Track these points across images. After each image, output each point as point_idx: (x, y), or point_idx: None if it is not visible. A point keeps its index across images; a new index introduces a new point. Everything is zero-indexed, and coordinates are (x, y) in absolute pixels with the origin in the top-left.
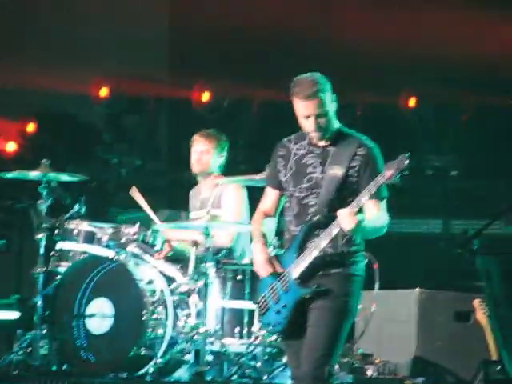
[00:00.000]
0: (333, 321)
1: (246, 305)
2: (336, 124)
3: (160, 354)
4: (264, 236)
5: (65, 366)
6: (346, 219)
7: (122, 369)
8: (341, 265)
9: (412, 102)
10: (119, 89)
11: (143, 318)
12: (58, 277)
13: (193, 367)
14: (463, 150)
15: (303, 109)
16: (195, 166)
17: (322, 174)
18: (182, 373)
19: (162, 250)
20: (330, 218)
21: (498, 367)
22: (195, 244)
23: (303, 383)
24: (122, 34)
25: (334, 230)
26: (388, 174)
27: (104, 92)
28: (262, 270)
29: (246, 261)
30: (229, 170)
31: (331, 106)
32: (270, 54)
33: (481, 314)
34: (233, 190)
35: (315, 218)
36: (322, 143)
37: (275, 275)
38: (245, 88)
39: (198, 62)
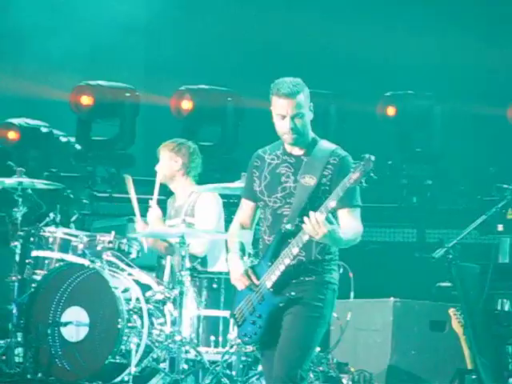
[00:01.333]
0: (306, 326)
1: (222, 313)
2: (311, 133)
3: (135, 362)
4: (241, 248)
5: (40, 374)
6: (313, 228)
7: (97, 377)
8: (315, 273)
9: (390, 111)
10: (98, 97)
11: (118, 326)
12: (33, 285)
13: (168, 375)
14: (438, 158)
15: (280, 108)
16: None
17: (294, 183)
18: (157, 381)
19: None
20: (302, 227)
21: (473, 376)
22: (170, 252)
23: None
24: (99, 41)
25: (304, 237)
26: (354, 176)
27: (85, 100)
28: (238, 283)
29: (221, 269)
30: (204, 178)
31: (308, 112)
32: (250, 61)
33: (456, 323)
34: (207, 199)
35: (287, 227)
36: (296, 152)
37: (251, 287)
38: (223, 96)
39: (176, 69)
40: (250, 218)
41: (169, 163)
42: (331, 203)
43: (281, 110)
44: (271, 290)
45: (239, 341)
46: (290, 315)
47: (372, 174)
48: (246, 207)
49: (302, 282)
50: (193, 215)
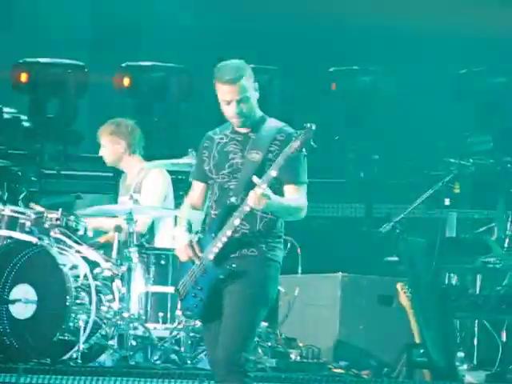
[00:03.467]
0: (248, 307)
1: (170, 289)
2: (258, 112)
3: (83, 339)
4: (188, 223)
5: None
6: (253, 196)
7: (45, 354)
8: (257, 248)
9: (334, 86)
10: (39, 74)
11: (66, 303)
12: None
13: (117, 352)
14: (386, 133)
15: (224, 94)
16: (105, 161)
17: (241, 159)
18: (106, 358)
19: (88, 237)
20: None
21: (421, 350)
22: (118, 229)
23: (219, 369)
24: (43, 18)
25: (245, 208)
26: (294, 145)
27: (24, 77)
28: (182, 254)
29: (169, 245)
30: (153, 154)
31: (253, 94)
32: (194, 38)
33: (404, 298)
34: (154, 175)
35: (232, 200)
36: (244, 130)
37: (195, 259)
38: (164, 71)
39: (118, 47)
40: (201, 199)
41: (112, 147)
42: (272, 172)
43: (225, 96)
44: (213, 261)
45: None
46: (232, 295)
47: (312, 143)
48: (196, 188)
49: (245, 255)
50: (139, 192)
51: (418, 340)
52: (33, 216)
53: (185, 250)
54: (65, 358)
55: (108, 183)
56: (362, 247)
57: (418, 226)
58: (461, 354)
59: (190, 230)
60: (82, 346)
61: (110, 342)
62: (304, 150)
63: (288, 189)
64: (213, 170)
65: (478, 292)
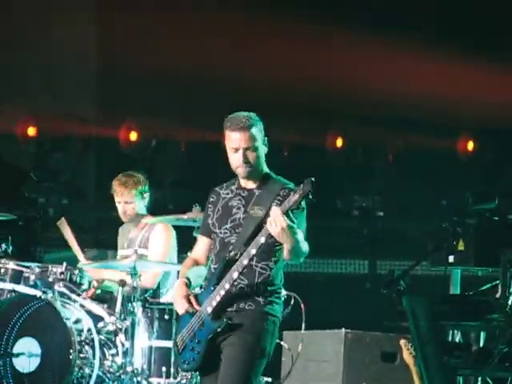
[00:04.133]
0: (245, 359)
1: None
2: (265, 168)
3: None
4: (188, 277)
5: None
6: (273, 221)
7: None
8: (255, 302)
9: (339, 143)
10: (46, 128)
11: (70, 357)
12: None
13: None
14: (389, 190)
15: (233, 141)
16: (123, 217)
17: (244, 214)
18: None
19: (89, 288)
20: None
21: None
22: (122, 283)
23: None
24: (48, 73)
25: (244, 261)
26: (293, 199)
27: (31, 131)
28: (179, 306)
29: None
30: (157, 209)
31: (262, 147)
32: (195, 92)
33: (407, 354)
34: (160, 230)
35: (232, 253)
36: (249, 186)
37: (193, 313)
38: (172, 127)
39: (124, 102)
40: (205, 254)
41: (141, 201)
42: (284, 210)
43: (233, 144)
44: (211, 315)
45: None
46: (229, 347)
47: (311, 196)
48: (201, 243)
49: (242, 309)
50: (146, 246)
51: None
52: (37, 270)
53: (182, 303)
54: None
55: (114, 237)
56: (366, 304)
57: (421, 283)
58: None
59: (188, 284)
60: None
61: None
62: (302, 203)
63: None
64: (216, 224)
65: (481, 349)
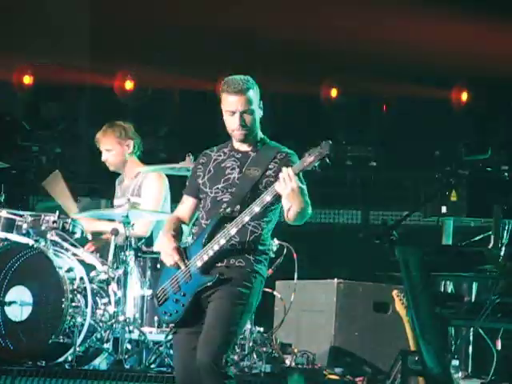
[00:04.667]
0: (231, 312)
1: None
2: (260, 133)
3: (79, 341)
4: (174, 228)
5: None
6: (283, 182)
7: (40, 357)
8: (245, 259)
9: (334, 93)
10: (41, 76)
11: (62, 306)
12: None
13: (111, 355)
14: (382, 140)
15: (230, 104)
16: (108, 166)
17: (239, 174)
18: (101, 361)
19: (85, 240)
20: (241, 213)
21: (416, 358)
22: (115, 232)
23: (201, 371)
24: (45, 21)
25: (245, 219)
26: (308, 160)
27: (27, 80)
28: (168, 258)
29: None
30: (150, 158)
31: (258, 110)
32: (192, 41)
33: (399, 305)
34: (153, 179)
35: (227, 211)
36: (244, 148)
37: (180, 265)
38: (168, 76)
39: (120, 50)
40: (189, 214)
41: (120, 149)
42: (295, 171)
43: (230, 107)
44: (200, 269)
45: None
46: (216, 300)
47: (327, 160)
48: (186, 203)
49: (232, 265)
50: (139, 195)
51: (413, 347)
52: (29, 218)
53: (172, 254)
54: (60, 360)
55: (105, 186)
56: (358, 254)
57: (414, 233)
58: (455, 362)
59: (177, 236)
60: (77, 349)
61: (105, 346)
62: (317, 165)
63: None
64: (207, 183)
65: (473, 300)
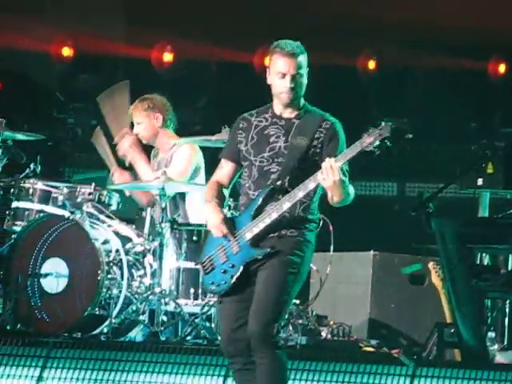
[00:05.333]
0: (283, 281)
1: None
2: (302, 100)
3: (114, 313)
4: (220, 197)
5: (19, 326)
6: (326, 173)
7: (76, 328)
8: (295, 229)
9: (371, 64)
10: (79, 47)
11: (98, 278)
12: (13, 236)
13: (147, 327)
14: (419, 112)
15: (282, 65)
16: (141, 140)
17: (285, 143)
18: (137, 333)
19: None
20: (291, 185)
21: (452, 330)
22: (151, 203)
23: (253, 340)
24: None
25: (299, 194)
26: (367, 140)
27: (66, 52)
28: (216, 229)
29: (201, 221)
30: (186, 130)
31: (305, 76)
32: (228, 13)
33: (435, 277)
34: (184, 149)
35: (278, 183)
36: (287, 115)
37: (228, 236)
38: (205, 48)
39: (158, 22)
40: (229, 178)
41: (149, 122)
42: (338, 163)
43: (282, 68)
44: (250, 241)
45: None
46: (267, 269)
47: (387, 142)
48: (226, 167)
49: (283, 236)
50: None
51: (448, 319)
52: (65, 190)
53: (219, 225)
54: (95, 332)
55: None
56: (395, 226)
57: (450, 205)
58: (492, 334)
59: (222, 204)
60: (113, 321)
61: (141, 317)
62: (376, 146)
63: None
64: (251, 151)
65: (509, 272)
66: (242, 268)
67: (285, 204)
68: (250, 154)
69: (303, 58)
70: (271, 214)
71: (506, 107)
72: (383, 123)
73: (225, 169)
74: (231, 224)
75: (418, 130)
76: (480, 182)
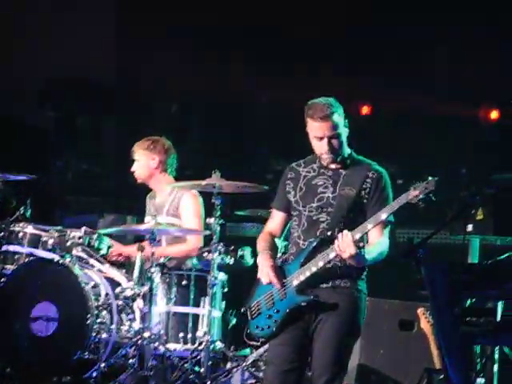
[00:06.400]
0: (342, 338)
1: (191, 310)
2: (347, 149)
3: (104, 358)
4: (271, 248)
5: (8, 370)
6: (342, 245)
7: (65, 372)
8: (350, 279)
9: (365, 110)
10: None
11: (87, 322)
12: (2, 279)
13: (136, 372)
14: (409, 158)
15: (316, 130)
16: (136, 178)
17: (333, 193)
18: (126, 377)
19: (107, 254)
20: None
21: (441, 376)
22: (141, 248)
23: None
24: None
25: (331, 254)
26: (413, 193)
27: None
28: (264, 276)
29: (189, 266)
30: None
31: (344, 130)
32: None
33: (425, 323)
34: (190, 199)
35: (328, 233)
36: (333, 166)
37: (276, 283)
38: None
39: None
40: (281, 229)
41: (146, 162)
42: (383, 216)
43: (317, 133)
44: (296, 288)
45: (207, 338)
46: (328, 324)
47: (432, 196)
48: (276, 218)
49: (337, 286)
50: (177, 215)
51: (438, 365)
52: (55, 234)
53: (269, 273)
54: (85, 376)
55: (132, 202)
56: (384, 272)
57: (440, 252)
58: (481, 381)
59: (273, 255)
60: (102, 365)
61: (131, 362)
62: (421, 201)
63: (377, 228)
64: (300, 201)
65: (499, 318)
66: (285, 313)
67: (331, 254)
68: (299, 204)
69: (337, 117)
70: (318, 263)
71: (496, 153)
72: (430, 178)
73: (275, 219)
74: (280, 272)
75: (408, 175)
76: (470, 228)
